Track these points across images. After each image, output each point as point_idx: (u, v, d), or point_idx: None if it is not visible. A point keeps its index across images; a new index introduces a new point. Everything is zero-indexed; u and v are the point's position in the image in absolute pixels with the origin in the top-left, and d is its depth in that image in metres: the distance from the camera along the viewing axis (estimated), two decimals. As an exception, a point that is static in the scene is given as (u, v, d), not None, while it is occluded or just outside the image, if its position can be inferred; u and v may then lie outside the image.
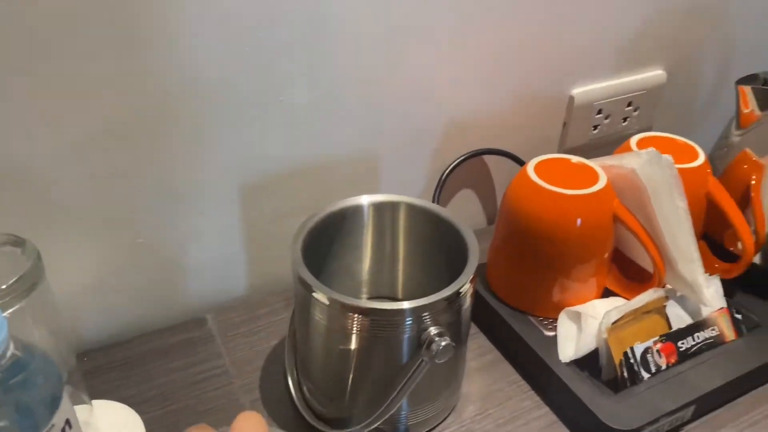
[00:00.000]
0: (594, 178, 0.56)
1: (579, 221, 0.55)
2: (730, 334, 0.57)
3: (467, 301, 0.49)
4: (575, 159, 0.59)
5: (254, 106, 0.56)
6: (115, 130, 0.52)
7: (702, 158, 0.59)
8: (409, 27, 0.59)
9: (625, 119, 0.78)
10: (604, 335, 0.54)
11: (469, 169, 0.72)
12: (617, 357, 0.53)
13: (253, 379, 0.56)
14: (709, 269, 0.61)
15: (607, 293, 0.60)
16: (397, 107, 0.63)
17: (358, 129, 0.62)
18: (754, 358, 0.55)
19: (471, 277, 0.48)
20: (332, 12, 0.55)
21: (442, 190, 0.70)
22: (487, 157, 0.73)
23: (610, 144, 0.73)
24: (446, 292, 0.46)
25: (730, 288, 0.61)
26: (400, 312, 0.45)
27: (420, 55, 0.62)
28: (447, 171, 0.69)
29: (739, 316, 0.58)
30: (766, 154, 0.60)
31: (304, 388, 0.53)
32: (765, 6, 0.81)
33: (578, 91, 0.73)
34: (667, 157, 0.55)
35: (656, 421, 0.50)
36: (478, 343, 0.61)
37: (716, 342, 0.56)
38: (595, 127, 0.76)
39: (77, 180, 0.52)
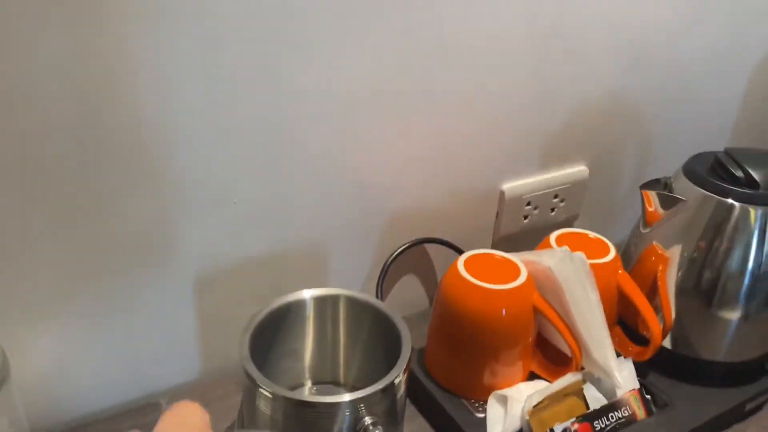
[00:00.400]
0: (516, 272, 0.63)
1: (504, 311, 0.61)
2: (641, 413, 0.63)
3: (401, 390, 0.55)
4: (500, 255, 0.65)
5: (206, 206, 0.62)
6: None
7: (612, 253, 0.67)
8: (355, 127, 0.66)
9: (552, 209, 0.86)
10: (527, 417, 0.59)
11: (411, 257, 0.78)
12: (539, 437, 0.59)
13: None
14: (624, 352, 0.68)
15: (532, 376, 0.66)
16: (342, 202, 0.69)
17: (306, 224, 0.68)
18: (662, 437, 0.62)
19: (403, 368, 0.53)
20: (284, 122, 0.62)
21: (386, 277, 0.75)
22: (428, 246, 0.80)
23: (540, 231, 0.80)
24: (380, 384, 0.51)
25: (643, 369, 0.68)
26: (337, 405, 0.50)
27: (365, 151, 0.68)
28: (390, 259, 0.75)
29: (648, 396, 0.64)
30: (671, 245, 0.68)
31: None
32: (677, 109, 0.91)
33: (508, 186, 0.80)
34: (580, 254, 0.62)
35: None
36: (417, 425, 0.66)
37: (628, 421, 0.62)
38: (526, 217, 0.83)
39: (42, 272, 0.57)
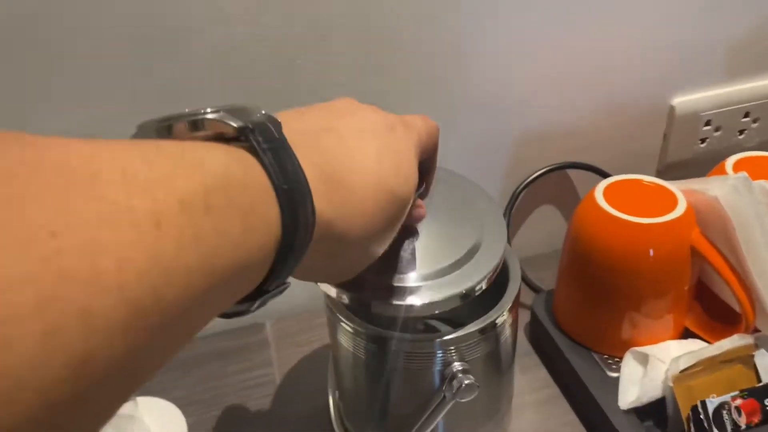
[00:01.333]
0: (672, 203, 0.50)
1: (651, 252, 0.49)
2: (835, 395, 0.48)
3: (506, 334, 0.46)
4: (653, 181, 0.52)
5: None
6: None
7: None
8: (487, 26, 0.56)
9: (741, 131, 0.68)
10: (670, 383, 0.47)
11: (551, 185, 0.67)
12: (684, 410, 0.47)
13: (298, 391, 0.57)
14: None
15: (688, 334, 0.53)
16: (467, 118, 0.60)
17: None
18: None
19: (509, 306, 0.44)
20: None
21: (515, 206, 0.65)
22: (573, 173, 0.68)
23: (723, 159, 0.64)
24: (477, 324, 0.43)
25: None
26: (426, 344, 0.42)
27: (496, 54, 0.58)
28: (520, 187, 0.64)
29: None
30: None
31: (341, 408, 0.52)
32: None
33: (680, 100, 0.65)
34: (762, 183, 0.47)
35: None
36: (537, 376, 0.57)
37: (817, 403, 0.48)
38: (703, 141, 0.67)
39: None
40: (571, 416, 0.53)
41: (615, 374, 0.51)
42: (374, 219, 0.30)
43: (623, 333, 0.52)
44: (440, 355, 0.43)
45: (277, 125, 0.25)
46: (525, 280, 0.63)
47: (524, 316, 0.60)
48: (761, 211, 0.47)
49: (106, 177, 0.18)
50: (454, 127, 0.60)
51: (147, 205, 0.18)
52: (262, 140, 0.24)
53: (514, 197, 0.64)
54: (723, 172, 0.53)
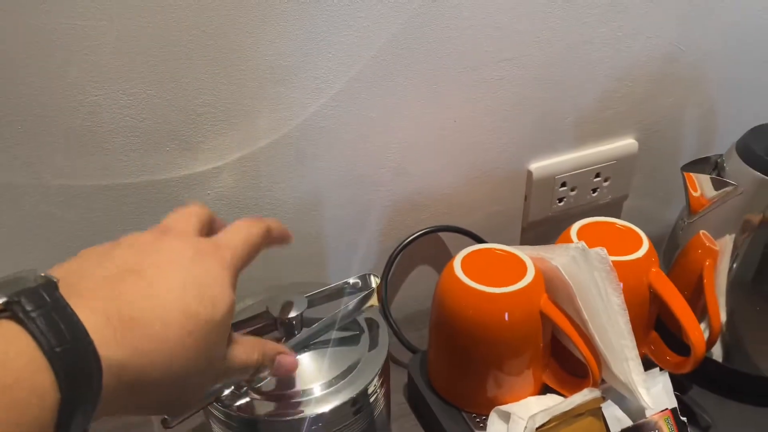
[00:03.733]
0: (522, 271, 0.54)
1: (506, 316, 0.53)
2: (673, 438, 0.53)
3: (378, 406, 0.48)
4: (505, 249, 0.57)
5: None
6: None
7: (645, 248, 0.56)
8: (357, 104, 0.59)
9: (594, 190, 0.75)
10: (528, 441, 0.51)
11: (424, 248, 0.71)
12: (542, 465, 0.51)
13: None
14: (661, 363, 0.58)
15: (547, 389, 0.58)
16: (341, 189, 0.63)
17: (299, 214, 0.62)
18: (696, 468, 0.52)
19: (371, 378, 0.46)
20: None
21: (394, 267, 0.68)
22: (445, 236, 0.72)
23: (580, 215, 0.70)
24: (338, 399, 0.45)
25: (686, 384, 0.58)
26: (288, 423, 0.44)
27: (367, 129, 0.61)
28: (397, 250, 0.68)
29: (684, 418, 0.54)
30: (721, 236, 0.57)
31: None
32: (742, 70, 0.77)
33: (536, 165, 0.71)
34: (599, 250, 0.53)
35: None
36: (415, 437, 0.59)
37: (657, 448, 0.53)
38: (561, 200, 0.73)
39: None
40: (445, 476, 0.55)
41: (481, 432, 0.55)
42: (181, 349, 0.30)
43: (488, 392, 0.56)
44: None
45: (51, 287, 0.26)
46: (401, 340, 0.66)
47: (403, 377, 0.63)
48: (597, 277, 0.52)
49: None
50: (328, 198, 0.63)
51: None
52: (31, 308, 0.25)
53: (392, 259, 0.67)
54: (568, 238, 0.58)
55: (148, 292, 0.30)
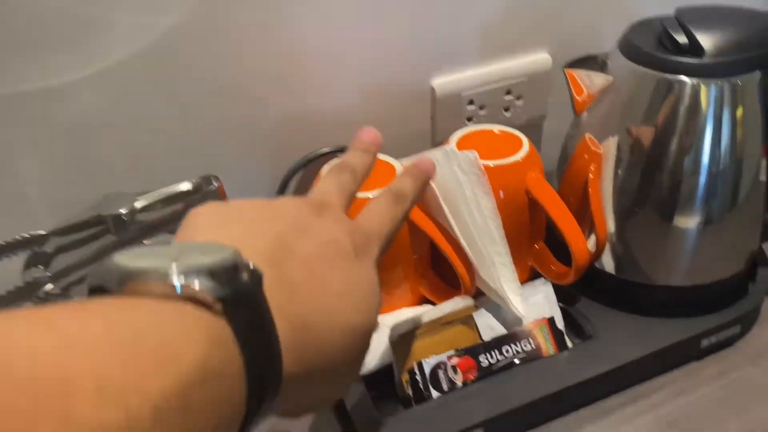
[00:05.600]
0: (391, 178, 0.52)
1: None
2: (548, 347, 0.51)
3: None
4: (381, 159, 0.54)
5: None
6: None
7: (524, 152, 0.54)
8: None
9: (507, 109, 0.72)
10: (390, 349, 0.49)
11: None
12: (404, 374, 0.49)
13: None
14: (545, 272, 0.56)
15: (428, 301, 0.56)
16: (221, 112, 0.61)
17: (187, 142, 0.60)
18: (568, 376, 0.49)
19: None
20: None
21: (292, 192, 0.66)
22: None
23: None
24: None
25: (574, 295, 0.56)
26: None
27: (247, 33, 0.58)
28: (293, 170, 0.65)
29: (561, 327, 0.52)
30: (605, 139, 0.53)
31: None
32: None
33: (439, 81, 0.68)
34: (467, 153, 0.50)
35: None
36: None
37: (531, 356, 0.51)
38: (470, 119, 0.70)
39: None
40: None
41: (354, 346, 0.53)
42: (341, 360, 0.29)
43: (363, 305, 0.54)
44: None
45: (258, 284, 0.25)
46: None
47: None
48: (465, 181, 0.50)
49: (78, 389, 0.18)
50: (206, 114, 0.60)
51: (120, 416, 0.18)
52: (244, 318, 0.23)
53: (285, 181, 0.65)
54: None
55: (322, 297, 0.29)
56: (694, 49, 0.47)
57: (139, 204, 0.44)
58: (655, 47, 0.49)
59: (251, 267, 0.25)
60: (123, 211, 0.43)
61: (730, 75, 0.47)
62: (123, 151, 0.58)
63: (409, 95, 0.68)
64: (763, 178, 0.51)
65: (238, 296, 0.23)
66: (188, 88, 0.58)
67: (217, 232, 0.29)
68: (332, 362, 0.29)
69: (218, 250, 0.24)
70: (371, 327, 0.32)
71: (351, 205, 0.37)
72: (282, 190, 0.65)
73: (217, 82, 0.59)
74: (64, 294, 0.42)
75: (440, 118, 0.69)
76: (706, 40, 0.47)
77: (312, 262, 0.30)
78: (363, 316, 0.31)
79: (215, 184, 0.45)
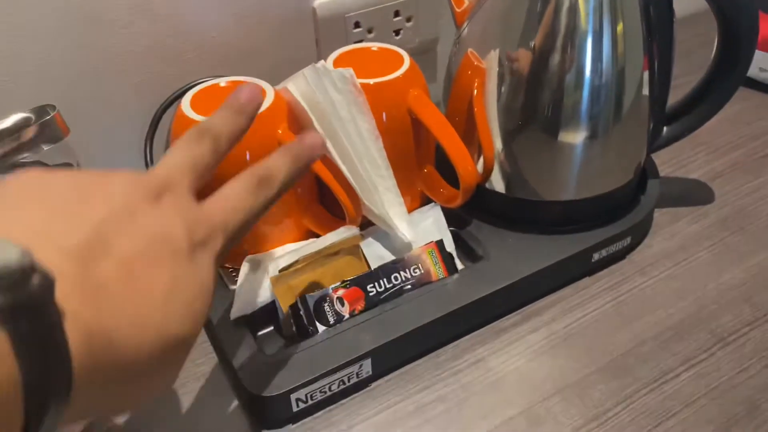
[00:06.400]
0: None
1: (247, 155, 0.47)
2: (437, 271, 0.49)
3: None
4: (241, 80, 0.50)
5: None
6: None
7: (404, 68, 0.50)
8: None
9: (397, 32, 0.68)
10: (271, 285, 0.46)
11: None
12: (286, 310, 0.46)
13: None
14: (434, 196, 0.54)
15: (314, 236, 0.53)
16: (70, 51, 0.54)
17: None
18: (457, 298, 0.48)
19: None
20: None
21: (156, 132, 0.61)
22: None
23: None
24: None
25: (466, 217, 0.54)
26: None
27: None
28: (164, 105, 0.60)
29: (450, 250, 0.50)
30: (488, 53, 0.51)
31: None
32: None
33: (321, 2, 0.63)
34: (342, 71, 0.46)
35: (310, 383, 0.43)
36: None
37: (420, 282, 0.49)
38: (358, 42, 0.66)
39: None
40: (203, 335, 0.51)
41: (235, 286, 0.50)
42: (145, 373, 0.26)
43: (244, 243, 0.50)
44: None
45: (48, 292, 0.21)
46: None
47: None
48: (340, 100, 0.46)
49: None
50: (55, 43, 0.54)
51: None
52: (26, 330, 0.20)
53: (156, 118, 0.60)
54: (326, 66, 0.52)
55: (136, 303, 0.26)
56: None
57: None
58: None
59: (42, 271, 0.21)
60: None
61: (609, -18, 0.45)
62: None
63: (287, 18, 0.63)
64: (645, 91, 0.50)
65: (19, 305, 0.20)
66: (25, 13, 0.52)
67: (18, 215, 0.25)
68: (137, 375, 0.26)
69: (3, 248, 0.20)
70: (192, 336, 0.29)
71: (204, 182, 0.32)
72: (153, 130, 0.60)
73: (64, 6, 0.53)
74: None
75: (325, 42, 0.65)
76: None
77: (132, 261, 0.26)
78: (184, 325, 0.28)
79: (51, 113, 0.40)
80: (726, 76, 0.53)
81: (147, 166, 0.59)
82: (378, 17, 0.66)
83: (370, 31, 0.66)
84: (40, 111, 0.40)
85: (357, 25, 0.65)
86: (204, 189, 0.33)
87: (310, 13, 0.64)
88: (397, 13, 0.67)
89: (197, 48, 0.60)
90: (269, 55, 0.64)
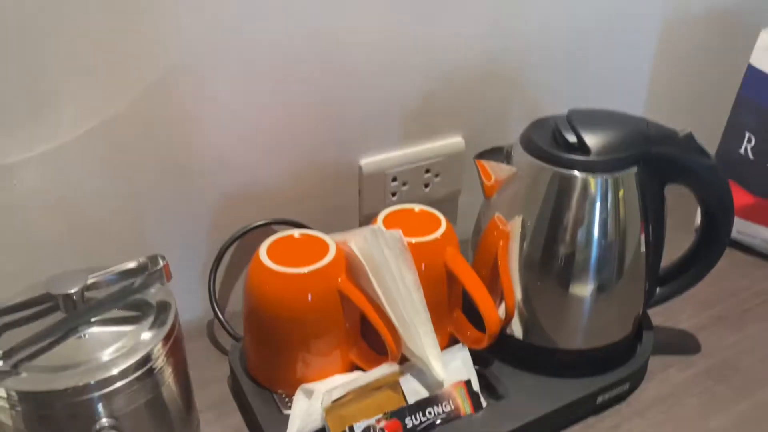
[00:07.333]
0: (324, 253, 0.57)
1: (309, 297, 0.55)
2: (465, 407, 0.57)
3: (164, 378, 0.49)
4: (314, 234, 0.60)
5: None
6: None
7: (442, 230, 0.60)
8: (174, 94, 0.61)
9: (426, 185, 0.79)
10: (323, 414, 0.54)
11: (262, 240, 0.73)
12: (336, 436, 0.53)
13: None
14: (462, 338, 0.62)
15: (358, 368, 0.60)
16: (159, 186, 0.64)
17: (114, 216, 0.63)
18: (482, 432, 0.55)
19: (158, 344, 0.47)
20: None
21: (228, 263, 0.70)
22: (281, 228, 0.74)
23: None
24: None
25: (488, 359, 0.62)
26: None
27: (187, 117, 0.63)
28: (229, 242, 0.69)
29: (477, 390, 0.58)
30: (512, 218, 0.61)
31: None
32: (568, 69, 0.83)
33: (367, 161, 0.74)
34: (393, 232, 0.56)
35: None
36: (230, 423, 0.60)
37: (450, 417, 0.56)
38: (394, 194, 0.77)
39: None
40: (254, 456, 0.57)
41: (289, 411, 0.57)
42: None
43: (297, 372, 0.58)
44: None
45: None
46: (226, 329, 0.67)
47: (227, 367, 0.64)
48: (390, 256, 0.56)
49: None
50: (148, 191, 0.64)
51: None
52: None
53: (221, 252, 0.69)
54: (375, 223, 0.62)
55: None
56: (582, 147, 0.56)
57: (87, 283, 0.47)
58: (550, 144, 0.58)
59: None
60: (72, 290, 0.46)
61: (613, 171, 0.56)
62: (63, 228, 0.61)
63: (337, 172, 0.74)
64: (642, 259, 0.60)
65: None
66: (130, 169, 0.62)
67: None
68: None
69: None
70: None
71: None
72: (217, 262, 0.69)
73: (162, 164, 0.63)
74: (13, 371, 0.44)
75: (367, 193, 0.76)
76: (592, 140, 0.56)
77: None
78: None
79: (161, 262, 0.49)
80: (709, 248, 0.63)
81: (210, 292, 0.68)
82: (412, 174, 0.77)
83: (404, 184, 0.77)
84: (152, 259, 0.49)
85: (394, 179, 0.76)
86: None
87: (356, 171, 0.75)
88: (427, 170, 0.78)
89: (259, 195, 0.70)
90: (320, 202, 0.74)
